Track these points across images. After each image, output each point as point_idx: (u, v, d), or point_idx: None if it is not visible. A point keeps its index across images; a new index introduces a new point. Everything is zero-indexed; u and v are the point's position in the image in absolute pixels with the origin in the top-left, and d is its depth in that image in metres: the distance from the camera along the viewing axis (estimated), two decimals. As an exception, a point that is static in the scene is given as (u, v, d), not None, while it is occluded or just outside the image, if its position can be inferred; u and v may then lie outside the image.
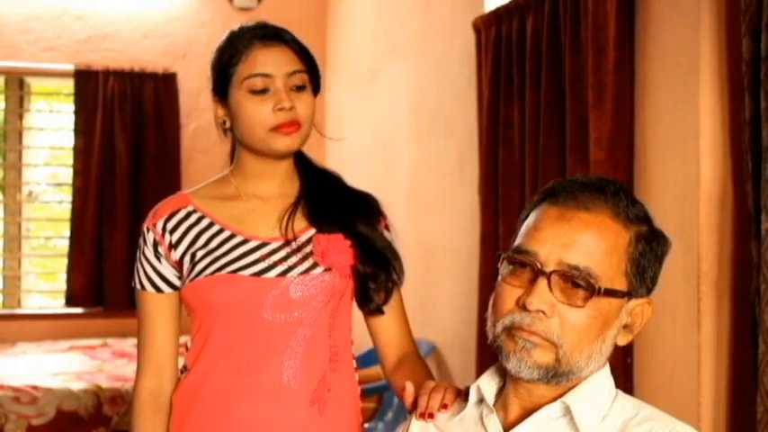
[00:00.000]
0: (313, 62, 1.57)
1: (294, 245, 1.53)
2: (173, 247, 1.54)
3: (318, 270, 1.52)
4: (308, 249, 1.53)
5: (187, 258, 1.53)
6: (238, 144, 1.59)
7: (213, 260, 1.51)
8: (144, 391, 1.56)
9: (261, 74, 1.51)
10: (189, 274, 1.53)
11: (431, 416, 1.28)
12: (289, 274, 1.51)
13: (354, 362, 1.61)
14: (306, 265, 1.52)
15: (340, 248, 1.53)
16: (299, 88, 1.54)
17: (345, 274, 1.54)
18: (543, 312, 1.09)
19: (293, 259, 1.52)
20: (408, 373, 1.52)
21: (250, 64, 1.52)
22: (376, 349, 1.65)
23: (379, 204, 1.63)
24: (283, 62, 1.53)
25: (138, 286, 1.58)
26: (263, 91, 1.51)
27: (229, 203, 1.58)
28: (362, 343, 1.71)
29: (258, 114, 1.51)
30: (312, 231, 1.55)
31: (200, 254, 1.52)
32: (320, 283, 1.52)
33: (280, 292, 1.50)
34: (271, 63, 1.52)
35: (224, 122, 1.59)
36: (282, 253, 1.52)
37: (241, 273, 1.50)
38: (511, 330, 1.11)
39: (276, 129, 1.51)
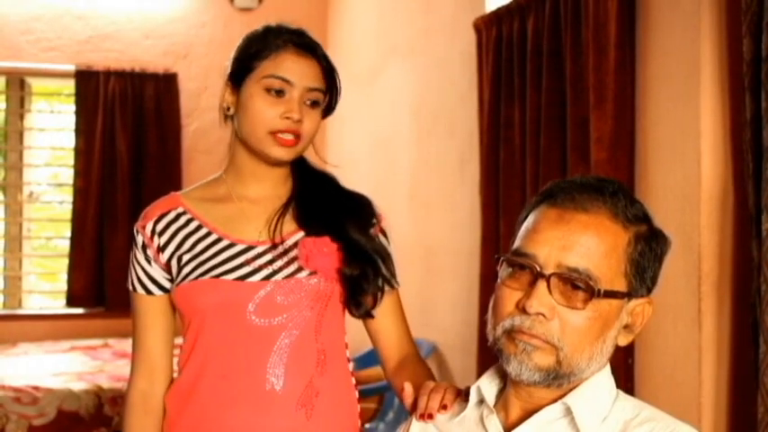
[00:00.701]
0: (335, 84, 1.57)
1: (281, 248, 1.52)
2: (160, 249, 1.55)
3: (303, 274, 1.51)
4: (294, 253, 1.52)
5: (174, 261, 1.53)
6: (235, 139, 1.58)
7: (197, 265, 1.51)
8: (136, 391, 1.57)
9: (283, 77, 1.50)
10: (176, 278, 1.53)
11: (430, 416, 1.28)
12: (273, 278, 1.50)
13: (350, 365, 1.60)
14: (291, 268, 1.51)
15: (325, 252, 1.52)
16: (313, 104, 1.53)
17: (331, 278, 1.52)
18: (543, 315, 1.09)
19: (278, 263, 1.51)
20: (409, 375, 1.51)
21: (277, 64, 1.51)
22: (376, 351, 1.65)
23: (372, 206, 1.62)
24: (308, 75, 1.52)
25: (131, 288, 1.59)
26: (279, 93, 1.50)
27: (219, 205, 1.57)
28: (362, 344, 1.71)
29: (265, 114, 1.50)
30: (300, 234, 1.54)
31: (185, 257, 1.52)
32: (305, 286, 1.51)
33: (264, 297, 1.49)
34: (296, 71, 1.51)
35: (228, 108, 1.57)
36: (268, 257, 1.51)
37: (224, 277, 1.49)
38: (511, 333, 1.11)
39: (275, 134, 1.50)
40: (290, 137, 1.51)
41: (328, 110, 1.59)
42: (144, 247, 1.56)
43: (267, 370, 1.48)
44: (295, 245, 1.53)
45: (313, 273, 1.51)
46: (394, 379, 1.58)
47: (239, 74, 1.55)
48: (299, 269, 1.51)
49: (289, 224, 1.55)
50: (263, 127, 1.50)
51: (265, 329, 1.49)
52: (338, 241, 1.53)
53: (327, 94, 1.56)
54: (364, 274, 1.54)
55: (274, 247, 1.52)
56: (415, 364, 1.57)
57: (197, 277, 1.50)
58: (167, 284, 1.56)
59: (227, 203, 1.57)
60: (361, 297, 1.55)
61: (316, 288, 1.51)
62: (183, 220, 1.56)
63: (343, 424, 1.56)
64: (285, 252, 1.52)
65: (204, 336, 1.51)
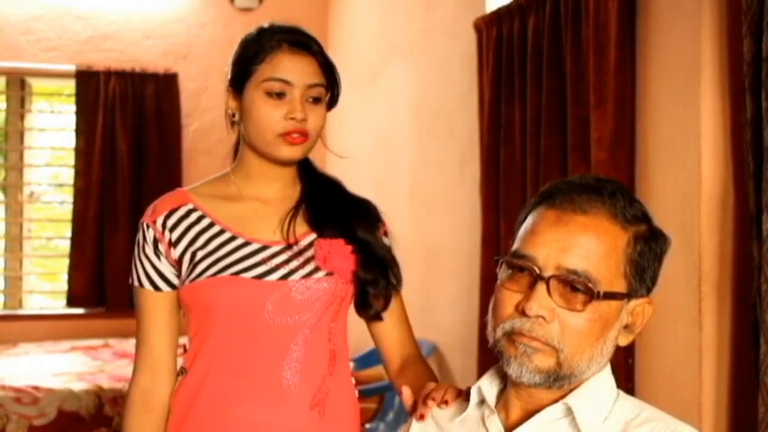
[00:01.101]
0: (334, 77, 1.57)
1: (295, 248, 1.53)
2: (172, 245, 1.53)
3: (320, 274, 1.52)
4: (309, 253, 1.53)
5: (186, 258, 1.52)
6: (243, 141, 1.58)
7: (214, 262, 1.50)
8: (138, 388, 1.56)
9: (281, 79, 1.50)
10: (189, 275, 1.52)
11: (421, 417, 1.28)
12: (290, 278, 1.50)
13: (351, 365, 1.62)
14: (308, 268, 1.52)
15: (341, 253, 1.53)
16: (315, 101, 1.53)
17: (347, 279, 1.54)
18: (543, 318, 1.09)
19: (294, 263, 1.52)
20: (412, 376, 1.52)
21: (273, 66, 1.51)
22: (377, 351, 1.65)
23: (377, 211, 1.63)
24: (306, 73, 1.52)
25: (137, 283, 1.57)
26: (280, 95, 1.50)
27: (230, 204, 1.57)
28: (362, 344, 1.72)
29: (269, 118, 1.50)
30: (313, 236, 1.55)
31: (200, 254, 1.51)
32: (322, 287, 1.52)
33: (281, 296, 1.49)
34: (294, 71, 1.51)
35: (233, 115, 1.57)
36: (284, 256, 1.52)
37: (243, 275, 1.49)
38: (511, 336, 1.11)
39: (283, 135, 1.50)
40: (296, 136, 1.51)
41: (331, 103, 1.59)
42: (155, 242, 1.54)
43: (283, 368, 1.49)
44: (309, 245, 1.54)
45: (329, 274, 1.52)
46: (397, 380, 1.59)
47: (239, 79, 1.55)
48: (316, 269, 1.52)
49: (300, 226, 1.56)
50: (269, 131, 1.51)
51: (281, 329, 1.49)
52: (351, 244, 1.55)
53: (328, 88, 1.56)
54: (377, 277, 1.55)
55: (289, 247, 1.53)
56: (417, 365, 1.58)
57: (215, 274, 1.49)
58: (175, 281, 1.55)
59: (238, 202, 1.57)
60: (372, 300, 1.56)
61: (332, 289, 1.52)
62: (194, 216, 1.55)
63: (351, 423, 1.58)
64: (300, 252, 1.53)
65: (215, 334, 1.51)
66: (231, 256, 1.51)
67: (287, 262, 1.52)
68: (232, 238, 1.53)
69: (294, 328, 1.50)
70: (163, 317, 1.57)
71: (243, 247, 1.52)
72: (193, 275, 1.51)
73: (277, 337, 1.49)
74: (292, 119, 1.49)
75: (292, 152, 1.52)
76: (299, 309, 1.50)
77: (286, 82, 1.50)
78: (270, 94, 1.50)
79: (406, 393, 1.37)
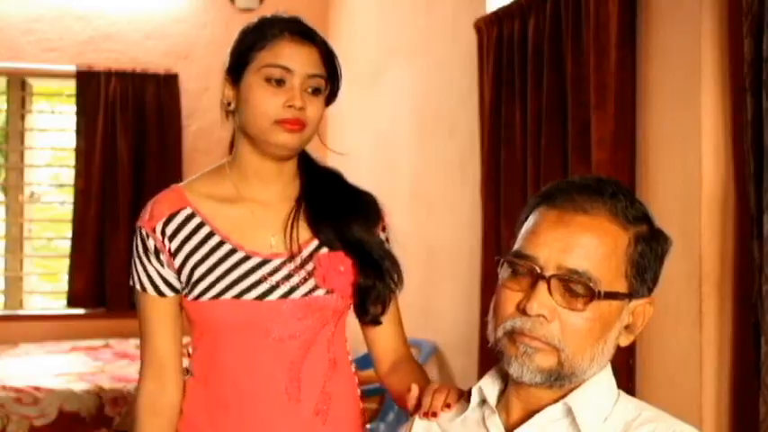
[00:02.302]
0: (335, 70, 1.54)
1: (298, 260, 1.50)
2: (172, 255, 1.51)
3: (320, 292, 1.50)
4: (309, 266, 1.50)
5: (186, 270, 1.50)
6: (238, 134, 1.55)
7: (213, 282, 1.48)
8: (145, 392, 1.54)
9: (282, 66, 1.47)
10: (190, 291, 1.49)
11: (434, 415, 1.28)
12: (290, 297, 1.49)
13: (352, 365, 1.61)
14: (308, 286, 1.50)
15: (341, 270, 1.51)
16: (315, 91, 1.50)
17: (346, 295, 1.52)
18: (544, 317, 1.09)
19: (295, 279, 1.49)
20: (404, 376, 1.52)
21: (275, 53, 1.48)
22: (370, 352, 1.65)
23: (378, 205, 1.60)
24: (307, 62, 1.49)
25: (139, 287, 1.54)
26: (279, 83, 1.47)
27: (228, 207, 1.53)
28: (362, 345, 1.71)
29: (267, 104, 1.46)
30: (315, 243, 1.52)
31: (198, 272, 1.49)
32: (321, 305, 1.50)
33: (282, 316, 1.48)
34: (295, 59, 1.48)
35: (228, 104, 1.54)
36: (284, 271, 1.50)
37: (244, 297, 1.47)
38: (512, 335, 1.11)
39: (280, 123, 1.46)
40: (293, 124, 1.47)
41: (331, 97, 1.56)
42: (157, 252, 1.51)
43: (285, 383, 1.49)
44: (310, 257, 1.51)
45: (329, 291, 1.51)
46: (388, 380, 1.58)
47: (238, 67, 1.51)
48: (316, 287, 1.50)
49: (303, 231, 1.53)
50: (266, 118, 1.46)
51: (283, 345, 1.49)
52: (350, 254, 1.53)
53: (329, 81, 1.53)
54: (375, 282, 1.53)
55: (290, 259, 1.50)
56: (409, 366, 1.58)
57: (216, 296, 1.47)
58: (179, 286, 1.53)
59: (235, 204, 1.53)
60: (369, 306, 1.55)
61: (333, 306, 1.52)
62: (193, 223, 1.51)
63: (352, 422, 1.58)
64: (302, 265, 1.50)
65: (221, 349, 1.50)
66: (231, 274, 1.48)
67: (287, 278, 1.49)
68: (232, 252, 1.49)
69: (294, 344, 1.49)
70: (167, 321, 1.54)
71: (243, 262, 1.49)
72: (194, 294, 1.49)
73: (278, 354, 1.49)
74: (290, 107, 1.46)
75: (288, 139, 1.48)
76: (300, 326, 1.49)
77: (287, 69, 1.47)
78: (269, 80, 1.47)
79: (414, 392, 1.36)
